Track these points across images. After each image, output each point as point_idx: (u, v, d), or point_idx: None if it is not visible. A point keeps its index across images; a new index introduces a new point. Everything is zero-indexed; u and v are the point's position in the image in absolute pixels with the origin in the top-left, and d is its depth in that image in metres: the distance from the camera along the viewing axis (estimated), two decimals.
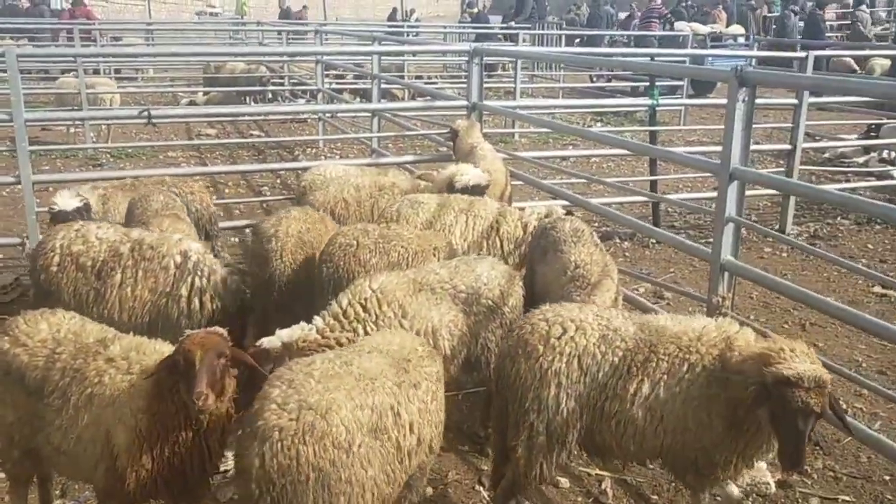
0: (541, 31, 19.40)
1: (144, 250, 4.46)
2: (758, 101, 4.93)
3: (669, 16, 20.54)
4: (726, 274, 4.87)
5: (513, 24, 20.77)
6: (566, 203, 6.79)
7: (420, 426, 3.01)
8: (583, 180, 10.16)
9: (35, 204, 6.76)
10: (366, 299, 3.93)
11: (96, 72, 16.68)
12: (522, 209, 5.63)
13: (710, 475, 3.37)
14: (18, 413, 3.20)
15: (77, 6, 21.04)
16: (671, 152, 7.16)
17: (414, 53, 16.75)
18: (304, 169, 9.68)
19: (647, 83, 9.61)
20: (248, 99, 16.15)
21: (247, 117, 14.94)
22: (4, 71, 17.94)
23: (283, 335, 3.73)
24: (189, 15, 33.81)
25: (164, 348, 3.13)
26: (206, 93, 16.07)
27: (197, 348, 2.84)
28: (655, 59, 10.39)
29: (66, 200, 5.39)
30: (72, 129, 13.50)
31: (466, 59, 8.08)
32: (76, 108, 12.34)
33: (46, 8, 24.61)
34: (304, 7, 29.60)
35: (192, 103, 15.77)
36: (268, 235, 4.96)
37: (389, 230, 4.81)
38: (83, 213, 5.41)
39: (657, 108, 8.96)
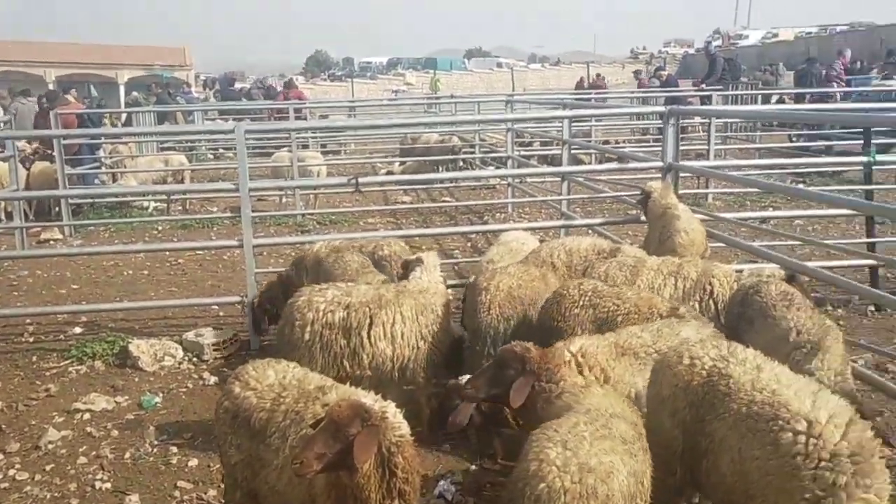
0: (735, 93, 18.59)
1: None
2: None
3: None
4: None
5: (703, 86, 20.21)
6: (774, 266, 6.37)
7: (648, 497, 2.90)
8: (787, 243, 9.51)
9: (254, 265, 7.39)
10: (566, 363, 3.68)
11: (305, 146, 18.19)
12: (739, 271, 5.33)
13: None
14: (242, 454, 3.43)
15: (290, 88, 23.28)
16: None
17: (604, 117, 16.70)
18: (493, 232, 10.02)
19: (862, 140, 8.94)
20: (440, 168, 16.85)
21: (439, 184, 15.59)
22: (230, 148, 19.99)
23: None
24: (386, 93, 36.20)
25: (369, 400, 3.10)
26: (402, 163, 16.96)
27: (327, 415, 2.90)
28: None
29: None
30: (283, 199, 14.79)
31: (658, 121, 7.97)
32: (290, 178, 13.51)
33: (262, 91, 27.44)
34: (599, 75, 31.05)
35: (389, 173, 16.72)
36: (479, 288, 5.08)
37: (608, 287, 4.69)
38: None
39: (873, 167, 8.28)
